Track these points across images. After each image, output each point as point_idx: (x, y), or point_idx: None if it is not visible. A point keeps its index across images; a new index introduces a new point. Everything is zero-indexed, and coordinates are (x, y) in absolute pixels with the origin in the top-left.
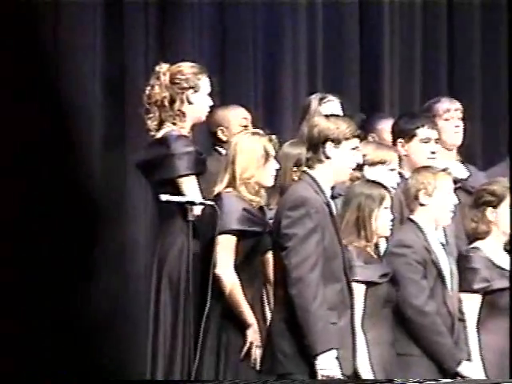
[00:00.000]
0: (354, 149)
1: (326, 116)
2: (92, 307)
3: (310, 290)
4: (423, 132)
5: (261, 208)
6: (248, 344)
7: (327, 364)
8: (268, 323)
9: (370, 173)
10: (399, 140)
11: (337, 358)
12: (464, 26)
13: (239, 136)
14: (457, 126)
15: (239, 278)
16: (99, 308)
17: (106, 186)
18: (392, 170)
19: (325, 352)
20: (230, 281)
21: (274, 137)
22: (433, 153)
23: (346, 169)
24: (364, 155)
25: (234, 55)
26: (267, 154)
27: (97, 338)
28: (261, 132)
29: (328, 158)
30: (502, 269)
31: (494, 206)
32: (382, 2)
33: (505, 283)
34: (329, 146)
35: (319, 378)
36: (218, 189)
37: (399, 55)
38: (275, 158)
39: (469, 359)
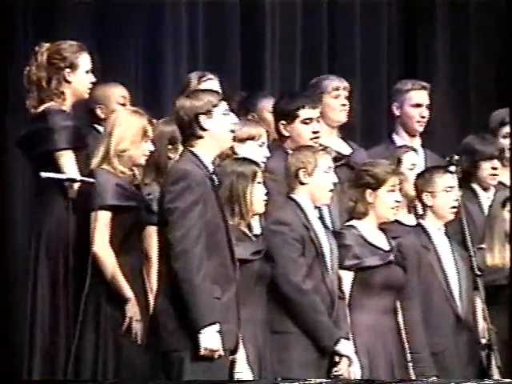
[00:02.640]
0: (225, 114)
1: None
2: None
3: (194, 263)
4: (304, 113)
5: (137, 185)
6: (128, 319)
7: (210, 338)
8: (150, 299)
9: (240, 149)
10: (281, 122)
11: (219, 332)
12: (345, 6)
13: (120, 111)
14: (343, 105)
15: (117, 253)
16: None
17: None
18: (261, 144)
19: (208, 326)
20: (106, 256)
21: (154, 121)
22: (315, 133)
23: (226, 134)
24: None
25: (114, 34)
26: (144, 133)
27: None
28: (142, 111)
29: (205, 130)
30: (375, 247)
31: (374, 189)
32: None
33: (376, 261)
34: (202, 119)
35: (202, 352)
36: (93, 163)
37: (280, 33)
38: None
39: (347, 337)
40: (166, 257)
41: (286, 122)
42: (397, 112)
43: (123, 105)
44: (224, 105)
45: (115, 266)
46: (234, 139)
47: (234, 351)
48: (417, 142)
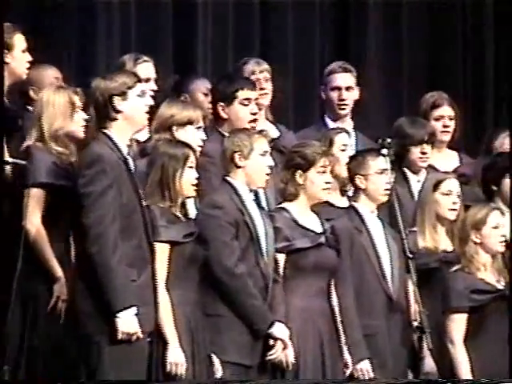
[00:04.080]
0: (140, 96)
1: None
2: None
3: (109, 246)
4: (243, 94)
5: (71, 164)
6: (55, 298)
7: (127, 321)
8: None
9: (179, 134)
10: (220, 104)
11: (136, 315)
12: None
13: (44, 91)
14: (262, 88)
15: (50, 231)
16: None
17: None
18: (199, 128)
19: (125, 309)
20: (38, 234)
21: (78, 89)
22: (253, 114)
23: (140, 116)
24: (172, 115)
25: (48, 16)
26: (73, 106)
27: None
28: (65, 85)
29: (119, 111)
30: (306, 229)
31: (304, 170)
32: None
33: (306, 243)
34: (116, 100)
35: (119, 336)
36: (26, 143)
37: (212, 15)
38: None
39: (281, 321)
40: (81, 239)
41: (225, 104)
42: (323, 95)
43: None
44: (139, 86)
45: (46, 244)
46: (174, 123)
47: (151, 333)
48: (348, 125)
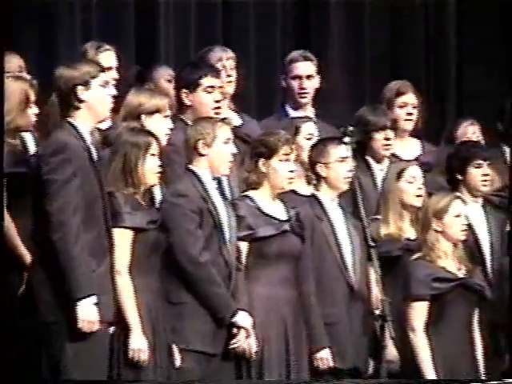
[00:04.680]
0: (103, 85)
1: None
2: None
3: (72, 234)
4: (207, 81)
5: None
6: (24, 286)
7: (87, 310)
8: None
9: (148, 122)
10: (183, 90)
11: (96, 304)
12: None
13: (6, 81)
14: (228, 76)
15: (15, 218)
16: None
17: None
18: (166, 116)
19: (85, 298)
20: (5, 222)
21: (35, 82)
22: (217, 101)
23: (103, 106)
24: (140, 104)
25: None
26: (27, 100)
27: None
28: (24, 76)
29: (82, 101)
30: (270, 216)
31: (266, 158)
32: None
33: (270, 231)
34: (79, 90)
35: (79, 324)
36: None
37: (174, 6)
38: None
39: (244, 309)
40: (42, 227)
41: (189, 91)
42: (283, 84)
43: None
44: (103, 76)
45: (13, 231)
46: (142, 112)
47: (112, 323)
48: (310, 113)
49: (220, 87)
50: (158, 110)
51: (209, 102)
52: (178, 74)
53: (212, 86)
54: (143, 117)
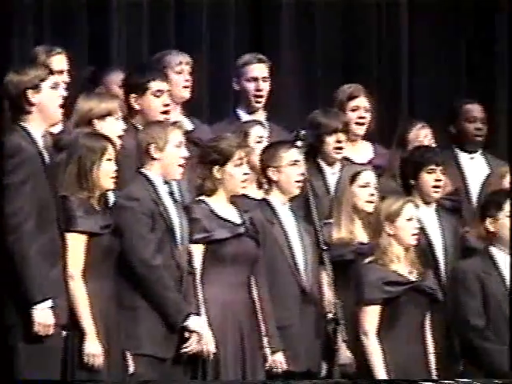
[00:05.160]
0: (53, 88)
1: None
2: None
3: (27, 237)
4: (155, 85)
5: None
6: None
7: (43, 313)
8: None
9: (99, 126)
10: (132, 95)
11: (52, 307)
12: None
13: None
14: (186, 80)
15: None
16: None
17: None
18: (118, 118)
19: (41, 301)
20: None
21: None
22: (166, 105)
23: (55, 109)
24: (91, 109)
25: None
26: None
27: None
28: None
29: (33, 104)
30: (225, 220)
31: (221, 164)
32: None
33: (225, 233)
34: (30, 93)
35: (35, 328)
36: None
37: (126, 7)
38: None
39: (197, 313)
40: (1, 229)
41: (137, 95)
42: (236, 87)
43: None
44: (52, 79)
45: None
46: (94, 117)
47: (65, 326)
48: (262, 116)
49: (168, 91)
50: (109, 113)
51: (157, 106)
52: (126, 78)
53: (160, 90)
54: (95, 121)
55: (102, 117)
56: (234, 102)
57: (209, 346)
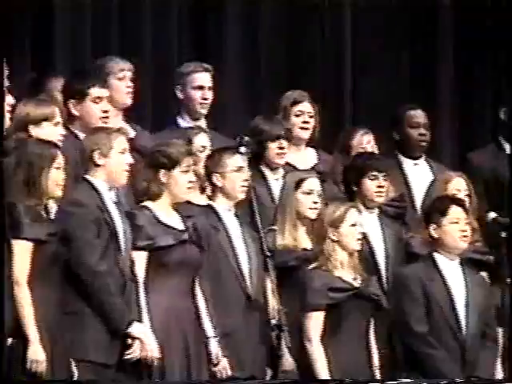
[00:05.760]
0: None
1: None
2: None
3: None
4: (95, 91)
5: None
6: None
7: None
8: None
9: (36, 131)
10: (71, 101)
11: None
12: None
13: None
14: (128, 87)
15: None
16: None
17: None
18: (56, 124)
19: None
20: None
21: None
22: (105, 112)
23: None
24: (27, 114)
25: None
26: None
27: None
28: None
29: None
30: (168, 226)
31: (168, 169)
32: None
33: (169, 240)
34: None
35: None
36: None
37: (69, 12)
38: None
39: (139, 320)
40: None
41: (76, 101)
42: (180, 95)
43: None
44: None
45: None
46: (30, 122)
47: (10, 335)
48: (203, 124)
49: (108, 97)
50: (45, 119)
51: (96, 113)
52: (66, 85)
53: (100, 97)
54: (31, 127)
55: (38, 122)
56: (176, 109)
57: (153, 352)
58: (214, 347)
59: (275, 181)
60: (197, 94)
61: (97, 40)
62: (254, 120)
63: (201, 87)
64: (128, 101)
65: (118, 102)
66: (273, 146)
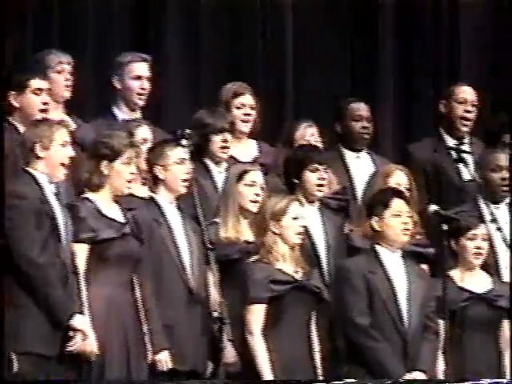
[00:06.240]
0: None
1: None
2: None
3: None
4: (35, 83)
5: None
6: None
7: None
8: None
9: None
10: (11, 92)
11: None
12: None
13: None
14: (67, 79)
15: None
16: None
17: None
18: None
19: None
20: None
21: None
22: (45, 104)
23: None
24: None
25: None
26: None
27: None
28: None
29: None
30: (110, 219)
31: (110, 160)
32: None
33: (111, 233)
34: None
35: None
36: None
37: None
38: None
39: (81, 312)
40: None
41: (16, 93)
42: (117, 85)
43: None
44: None
45: None
46: None
47: None
48: (138, 115)
49: (48, 90)
50: None
51: (36, 104)
52: (6, 76)
53: (40, 89)
54: None
55: None
56: (112, 100)
57: (92, 345)
58: (155, 339)
59: (219, 173)
60: (135, 84)
61: (38, 33)
62: (197, 113)
63: (139, 77)
64: (67, 94)
65: (57, 95)
66: (217, 139)
